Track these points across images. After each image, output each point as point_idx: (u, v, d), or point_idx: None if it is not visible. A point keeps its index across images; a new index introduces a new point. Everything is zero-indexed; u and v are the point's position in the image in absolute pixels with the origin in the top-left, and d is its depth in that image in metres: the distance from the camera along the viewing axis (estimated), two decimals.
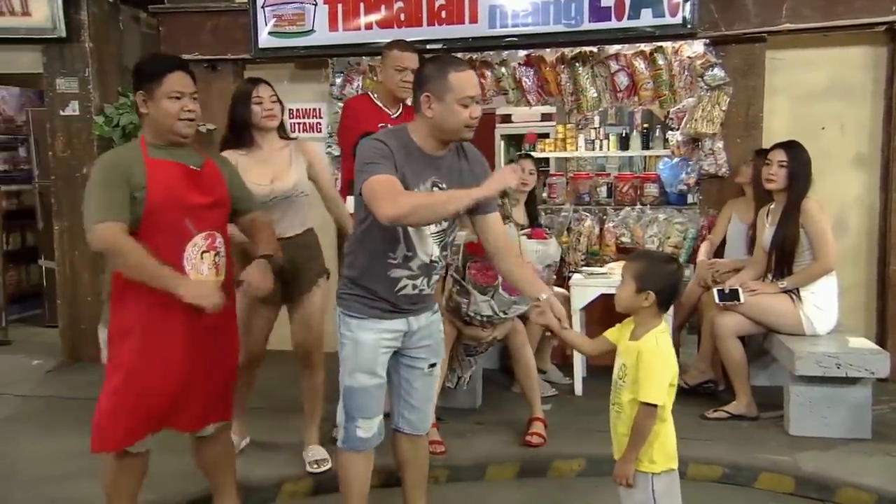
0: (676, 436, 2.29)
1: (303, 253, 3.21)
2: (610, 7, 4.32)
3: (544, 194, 5.31)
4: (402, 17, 4.59)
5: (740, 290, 3.78)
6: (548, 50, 4.72)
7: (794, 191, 3.72)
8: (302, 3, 4.71)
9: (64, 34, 4.85)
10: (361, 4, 4.64)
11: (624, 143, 6.31)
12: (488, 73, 4.79)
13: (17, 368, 5.04)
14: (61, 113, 5.01)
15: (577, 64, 4.67)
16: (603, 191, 5.23)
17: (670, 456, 2.26)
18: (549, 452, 3.47)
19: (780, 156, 3.74)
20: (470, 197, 2.23)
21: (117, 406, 2.32)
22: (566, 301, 4.27)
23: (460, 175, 2.39)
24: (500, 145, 7.91)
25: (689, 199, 4.84)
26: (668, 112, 4.99)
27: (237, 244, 2.74)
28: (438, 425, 3.48)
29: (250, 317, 3.14)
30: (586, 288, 4.17)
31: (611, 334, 2.38)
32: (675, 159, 4.88)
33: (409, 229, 2.32)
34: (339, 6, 4.67)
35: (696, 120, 4.42)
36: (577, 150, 6.58)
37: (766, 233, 3.84)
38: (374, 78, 4.70)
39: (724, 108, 4.38)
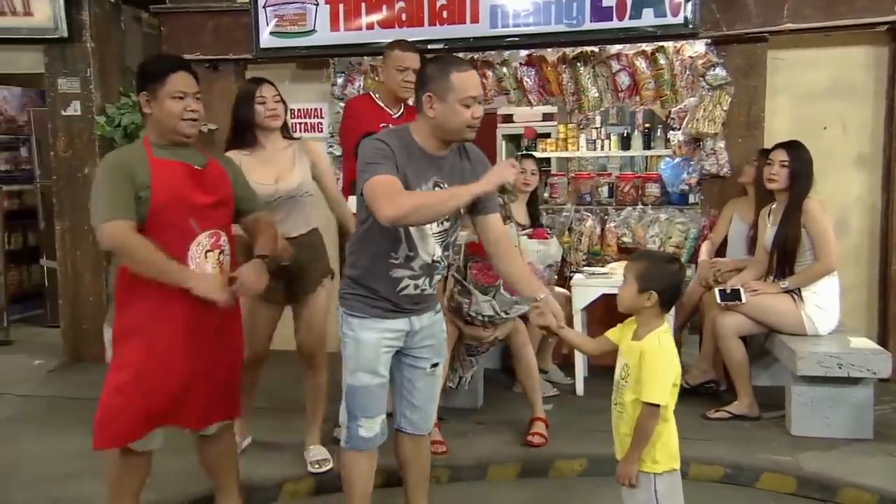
0: (678, 436, 2.29)
1: (307, 253, 3.21)
2: (611, 7, 4.32)
3: (546, 194, 5.31)
4: (404, 17, 4.59)
5: (742, 290, 3.78)
6: (549, 50, 4.72)
7: (795, 191, 3.72)
8: (303, 3, 4.71)
9: (66, 34, 4.85)
10: (363, 4, 4.64)
11: (625, 142, 6.31)
12: (490, 72, 4.79)
13: (19, 368, 5.05)
14: (63, 113, 5.01)
15: (578, 64, 4.67)
16: (604, 191, 5.23)
17: (673, 456, 2.26)
18: (550, 452, 3.47)
19: (781, 156, 3.74)
20: (469, 193, 2.23)
21: (120, 404, 2.33)
22: (567, 301, 4.27)
23: (462, 175, 2.39)
24: (502, 145, 7.91)
25: (691, 199, 4.84)
26: (670, 112, 4.99)
27: (243, 244, 2.74)
28: (440, 425, 3.48)
29: (254, 316, 3.14)
30: (588, 288, 4.17)
31: (612, 334, 2.38)
32: (677, 159, 4.88)
33: (411, 229, 2.32)
34: (341, 6, 4.67)
35: (697, 120, 4.42)
36: (578, 150, 6.57)
37: (768, 233, 3.84)
38: (376, 78, 4.70)
39: (725, 108, 4.38)
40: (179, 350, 2.37)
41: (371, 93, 3.76)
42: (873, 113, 4.40)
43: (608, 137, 6.44)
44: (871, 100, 4.40)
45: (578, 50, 4.67)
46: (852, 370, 3.47)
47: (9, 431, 3.89)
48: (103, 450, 2.38)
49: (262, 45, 4.81)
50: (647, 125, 6.29)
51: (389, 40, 3.71)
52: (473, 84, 2.28)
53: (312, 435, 3.37)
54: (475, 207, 2.46)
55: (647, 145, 6.14)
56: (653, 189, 4.98)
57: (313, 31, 4.73)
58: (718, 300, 3.82)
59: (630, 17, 4.31)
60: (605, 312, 4.10)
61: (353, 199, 3.04)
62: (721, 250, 4.39)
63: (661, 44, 4.55)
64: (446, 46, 4.51)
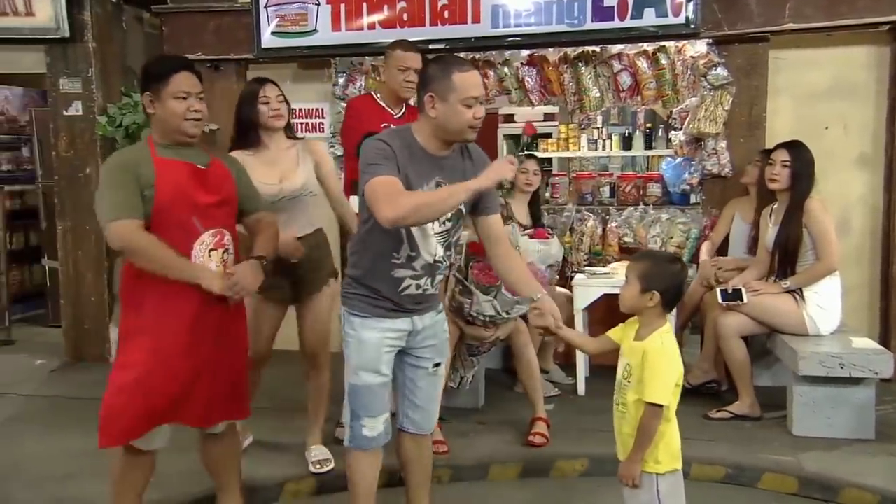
0: (680, 436, 2.29)
1: (313, 253, 3.21)
2: (613, 7, 4.32)
3: (547, 194, 5.30)
4: (405, 16, 4.59)
5: (743, 291, 3.78)
6: (551, 50, 4.72)
7: (797, 191, 3.72)
8: (305, 3, 4.72)
9: (67, 34, 4.86)
10: (364, 4, 4.64)
11: (627, 142, 6.31)
12: (491, 72, 4.78)
13: (21, 368, 5.05)
14: (64, 113, 5.02)
15: (579, 64, 4.67)
16: (606, 191, 5.23)
17: (675, 456, 2.26)
18: (551, 452, 3.47)
19: (783, 155, 3.74)
20: (468, 189, 2.23)
21: (123, 403, 2.34)
22: (569, 301, 4.27)
23: (464, 175, 2.38)
24: (503, 145, 7.91)
25: (692, 198, 4.83)
26: (671, 112, 4.99)
27: (247, 244, 2.75)
28: (441, 425, 3.47)
29: (259, 316, 3.14)
30: (589, 288, 4.17)
31: (614, 334, 2.38)
32: (678, 159, 4.87)
33: (413, 229, 2.32)
34: (342, 6, 4.67)
35: (699, 120, 4.42)
36: (579, 150, 6.57)
37: (770, 233, 3.84)
38: (377, 78, 4.71)
39: (727, 108, 4.38)
40: (183, 350, 2.38)
41: (372, 93, 3.76)
42: (875, 113, 4.40)
43: (610, 137, 6.44)
44: (873, 99, 4.40)
45: (580, 50, 4.67)
46: (854, 370, 3.47)
47: (11, 431, 3.90)
48: (108, 447, 2.39)
49: (263, 45, 4.81)
50: (648, 125, 6.29)
51: (391, 40, 3.72)
52: (475, 84, 2.28)
53: (314, 435, 3.37)
54: (477, 207, 2.47)
55: (649, 145, 6.14)
56: (654, 189, 4.98)
57: (315, 31, 4.74)
58: (720, 300, 3.82)
59: (631, 17, 4.31)
60: (606, 312, 4.10)
61: (354, 199, 3.04)
62: (722, 250, 4.39)
63: (662, 44, 4.55)
64: (447, 46, 4.51)
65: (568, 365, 4.47)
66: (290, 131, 3.28)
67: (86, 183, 5.02)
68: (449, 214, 2.36)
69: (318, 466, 3.27)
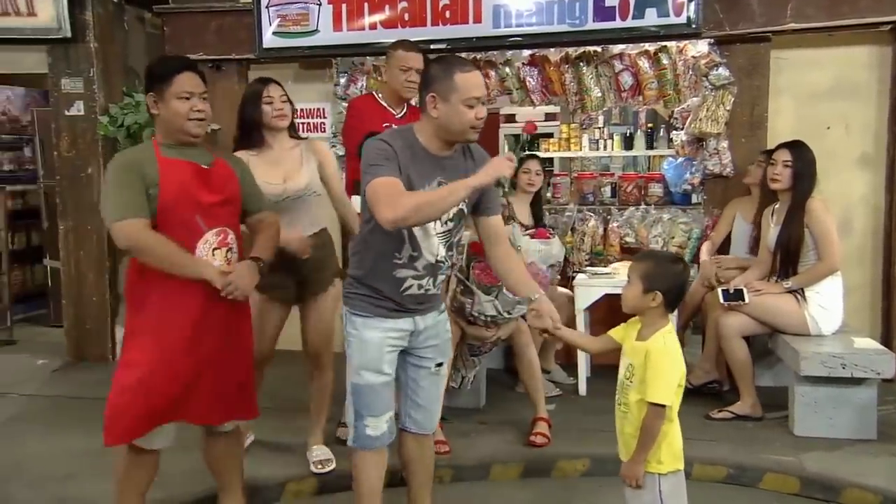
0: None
1: (317, 253, 3.21)
2: (614, 7, 4.32)
3: (548, 194, 5.30)
4: (406, 16, 4.59)
5: (745, 290, 3.78)
6: (552, 50, 4.72)
7: (798, 191, 3.72)
8: (306, 3, 4.72)
9: (69, 34, 4.86)
10: (365, 4, 4.64)
11: (628, 142, 6.32)
12: (492, 72, 4.78)
13: (23, 368, 5.05)
14: (66, 113, 5.03)
15: (581, 63, 4.67)
16: (607, 191, 5.23)
17: (677, 456, 2.26)
18: (553, 452, 3.47)
19: (784, 155, 3.74)
20: (467, 186, 2.23)
21: (127, 402, 2.36)
22: (570, 301, 4.27)
23: (466, 175, 2.36)
24: (504, 145, 7.91)
25: (694, 198, 4.83)
26: (673, 112, 4.99)
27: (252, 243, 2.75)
28: (442, 425, 3.47)
29: (263, 316, 3.14)
30: (590, 288, 4.17)
31: (615, 333, 2.38)
32: (680, 159, 4.87)
33: (415, 229, 2.32)
34: (344, 6, 4.67)
35: (700, 119, 4.41)
36: (581, 149, 6.58)
37: (771, 233, 3.84)
38: (378, 78, 4.70)
39: (728, 108, 4.38)
40: (185, 348, 2.39)
41: (374, 93, 3.76)
42: (877, 113, 4.40)
43: (611, 137, 6.45)
44: (875, 99, 4.39)
45: (581, 50, 4.67)
46: (856, 370, 3.46)
47: (12, 431, 3.90)
48: (112, 446, 2.41)
49: (264, 45, 4.82)
50: (649, 125, 6.30)
51: (392, 40, 3.72)
52: (477, 85, 2.28)
53: (315, 435, 3.37)
54: (478, 208, 2.47)
55: (650, 145, 6.14)
56: (656, 189, 4.98)
57: (316, 31, 4.74)
58: (722, 300, 3.82)
59: (633, 17, 4.31)
60: (607, 312, 4.10)
61: (356, 199, 3.04)
62: (723, 251, 4.39)
63: (664, 44, 4.55)
64: (449, 46, 4.51)
65: (569, 365, 4.47)
66: (293, 131, 3.29)
67: (87, 183, 5.02)
68: (451, 214, 2.36)
69: (319, 467, 3.27)
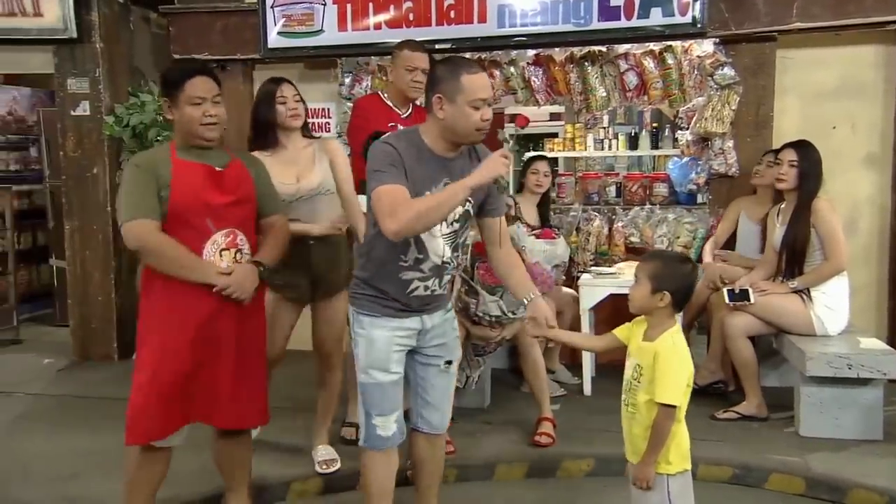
0: None
1: (331, 252, 3.20)
2: (619, 6, 4.32)
3: (553, 194, 5.29)
4: (411, 16, 4.59)
5: (750, 291, 3.77)
6: (557, 49, 4.71)
7: (804, 190, 3.71)
8: (311, 3, 4.72)
9: (75, 35, 4.88)
10: (370, 4, 4.65)
11: (633, 142, 6.30)
12: (497, 72, 4.78)
13: (29, 367, 5.07)
14: (72, 113, 5.04)
15: (586, 63, 4.67)
16: (612, 190, 5.21)
17: (685, 456, 2.26)
18: (557, 452, 3.47)
19: (790, 155, 3.73)
20: (465, 187, 2.22)
21: (143, 403, 2.39)
22: (575, 301, 4.27)
23: None
24: (506, 145, 7.88)
25: (699, 198, 4.82)
26: (678, 111, 4.97)
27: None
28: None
29: (275, 316, 3.13)
30: (595, 288, 4.17)
31: (620, 332, 2.37)
32: (685, 159, 4.86)
33: None
34: (349, 6, 4.68)
35: (705, 119, 4.41)
36: (586, 149, 6.56)
37: (777, 232, 3.83)
38: (384, 78, 4.71)
39: (734, 108, 4.37)
40: (187, 347, 2.40)
41: (379, 92, 3.76)
42: (883, 112, 4.38)
43: (616, 137, 6.43)
44: (881, 99, 4.38)
45: (586, 49, 4.66)
46: (862, 371, 3.46)
47: (19, 430, 3.91)
48: (134, 445, 2.44)
49: (269, 45, 4.82)
50: (654, 125, 6.28)
51: (397, 40, 3.72)
52: (483, 86, 2.28)
53: (321, 435, 3.37)
54: (483, 209, 2.47)
55: (655, 145, 6.12)
56: (661, 189, 4.97)
57: (321, 31, 4.74)
58: (727, 300, 3.81)
59: (638, 17, 4.31)
60: (612, 312, 4.09)
61: (362, 199, 3.03)
62: (729, 249, 4.37)
63: (669, 43, 4.54)
64: (454, 46, 4.51)
65: (574, 365, 4.47)
66: (306, 130, 3.29)
67: (93, 183, 5.04)
68: (456, 216, 2.36)
69: (324, 466, 3.27)
